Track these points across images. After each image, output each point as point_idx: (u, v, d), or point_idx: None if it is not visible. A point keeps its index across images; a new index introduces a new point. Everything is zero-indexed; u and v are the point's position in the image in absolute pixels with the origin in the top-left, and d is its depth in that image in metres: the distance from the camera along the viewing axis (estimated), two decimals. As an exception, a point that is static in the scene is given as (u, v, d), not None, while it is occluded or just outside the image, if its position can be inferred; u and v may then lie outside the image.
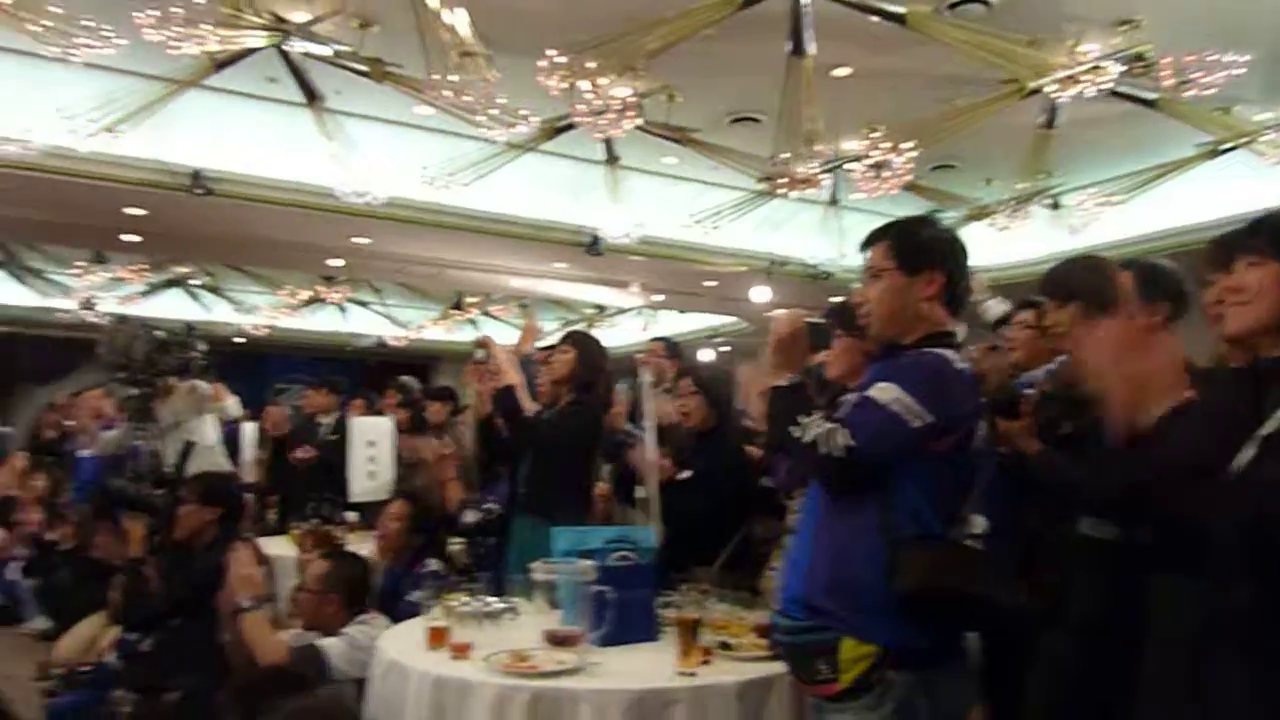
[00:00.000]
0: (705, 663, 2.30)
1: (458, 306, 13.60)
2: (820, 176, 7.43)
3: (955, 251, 2.10)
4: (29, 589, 6.22)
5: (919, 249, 2.06)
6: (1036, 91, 6.19)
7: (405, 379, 6.83)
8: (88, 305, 12.02)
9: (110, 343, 4.73)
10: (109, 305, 12.12)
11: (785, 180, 7.41)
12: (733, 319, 12.91)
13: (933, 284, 2.03)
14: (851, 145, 7.37)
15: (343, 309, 13.63)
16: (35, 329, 13.50)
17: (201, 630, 3.60)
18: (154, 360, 4.73)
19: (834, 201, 9.08)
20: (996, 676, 2.47)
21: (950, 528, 1.94)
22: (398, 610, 3.31)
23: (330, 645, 2.88)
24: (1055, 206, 8.64)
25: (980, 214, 8.55)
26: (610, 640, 2.41)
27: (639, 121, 6.37)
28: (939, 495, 1.94)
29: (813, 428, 1.91)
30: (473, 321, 14.04)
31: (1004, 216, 8.31)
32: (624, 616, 2.45)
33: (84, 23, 5.17)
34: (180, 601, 3.90)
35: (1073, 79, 5.87)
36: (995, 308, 3.33)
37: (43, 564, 6.31)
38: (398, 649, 2.49)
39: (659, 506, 3.17)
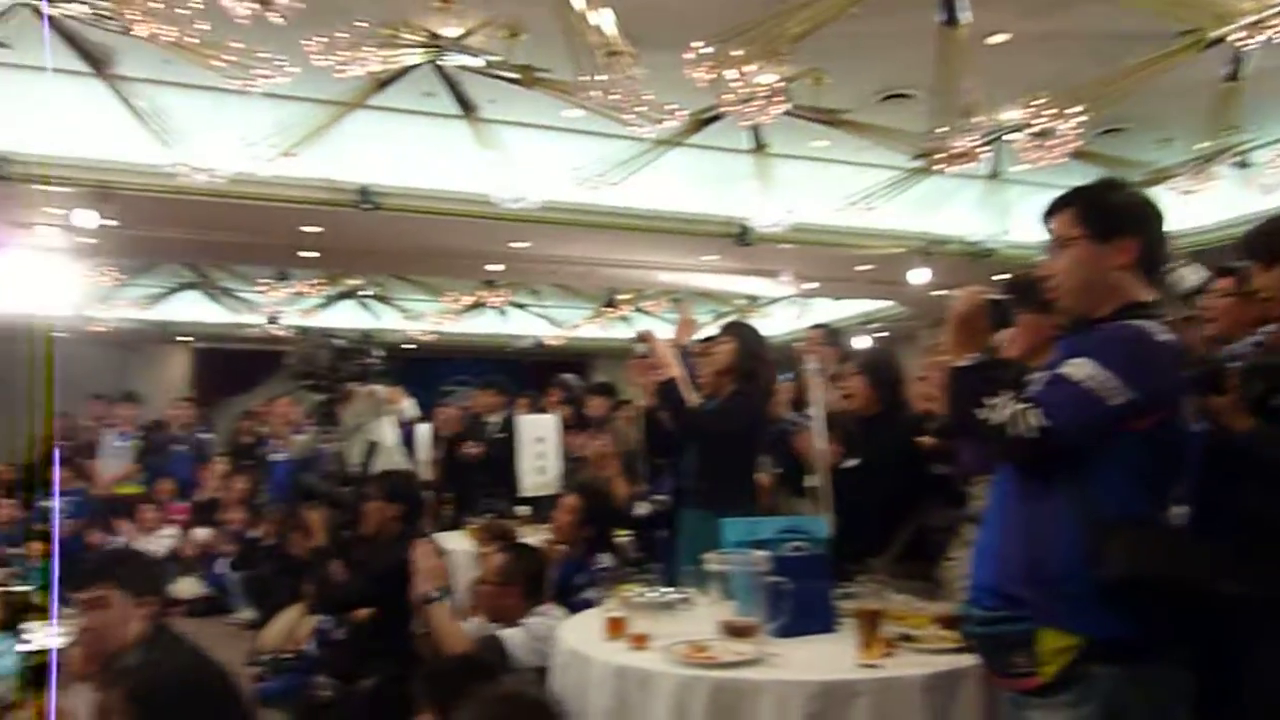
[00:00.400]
0: (888, 655, 2.24)
1: (611, 304, 13.81)
2: (979, 150, 7.12)
3: (1149, 215, 1.96)
4: (235, 582, 6.75)
5: (1110, 214, 1.93)
6: (1219, 41, 5.72)
7: (566, 377, 7.00)
8: (273, 320, 12.92)
9: (297, 353, 5.08)
10: (291, 319, 12.99)
11: (942, 156, 7.15)
12: (889, 303, 12.55)
13: (1126, 251, 1.90)
14: (1012, 115, 7.02)
15: (503, 312, 14.09)
16: (228, 343, 14.70)
17: (392, 620, 3.80)
18: (336, 368, 5.05)
19: (994, 175, 8.67)
20: (1208, 669, 2.29)
21: (1157, 510, 1.81)
22: (571, 604, 3.39)
23: (511, 635, 2.97)
24: (1244, 165, 7.96)
25: (1158, 178, 7.98)
26: (787, 631, 2.39)
27: (787, 106, 6.28)
28: (1143, 475, 1.81)
29: (1001, 409, 1.82)
30: (625, 318, 14.23)
31: (1186, 179, 7.74)
32: (801, 607, 2.42)
33: (260, 55, 5.53)
34: (368, 593, 4.13)
35: (1260, 24, 5.39)
36: (1191, 276, 3.08)
37: (246, 559, 6.84)
38: (578, 639, 2.54)
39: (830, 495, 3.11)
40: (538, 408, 6.63)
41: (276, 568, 6.33)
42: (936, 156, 7.20)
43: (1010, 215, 8.96)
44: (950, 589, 2.83)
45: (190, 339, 15.30)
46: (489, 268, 11.15)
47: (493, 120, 7.15)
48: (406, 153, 7.58)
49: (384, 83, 6.44)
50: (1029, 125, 6.73)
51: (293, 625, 5.18)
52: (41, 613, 5.65)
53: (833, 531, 2.85)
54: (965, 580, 2.49)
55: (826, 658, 2.27)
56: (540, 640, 2.90)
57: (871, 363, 3.42)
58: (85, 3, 5.20)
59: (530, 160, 7.54)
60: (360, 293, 13.17)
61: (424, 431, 6.84)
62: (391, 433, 5.82)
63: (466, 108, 6.93)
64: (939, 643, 2.33)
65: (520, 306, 14.16)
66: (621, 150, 7.42)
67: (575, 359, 15.65)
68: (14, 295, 9.40)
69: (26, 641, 4.57)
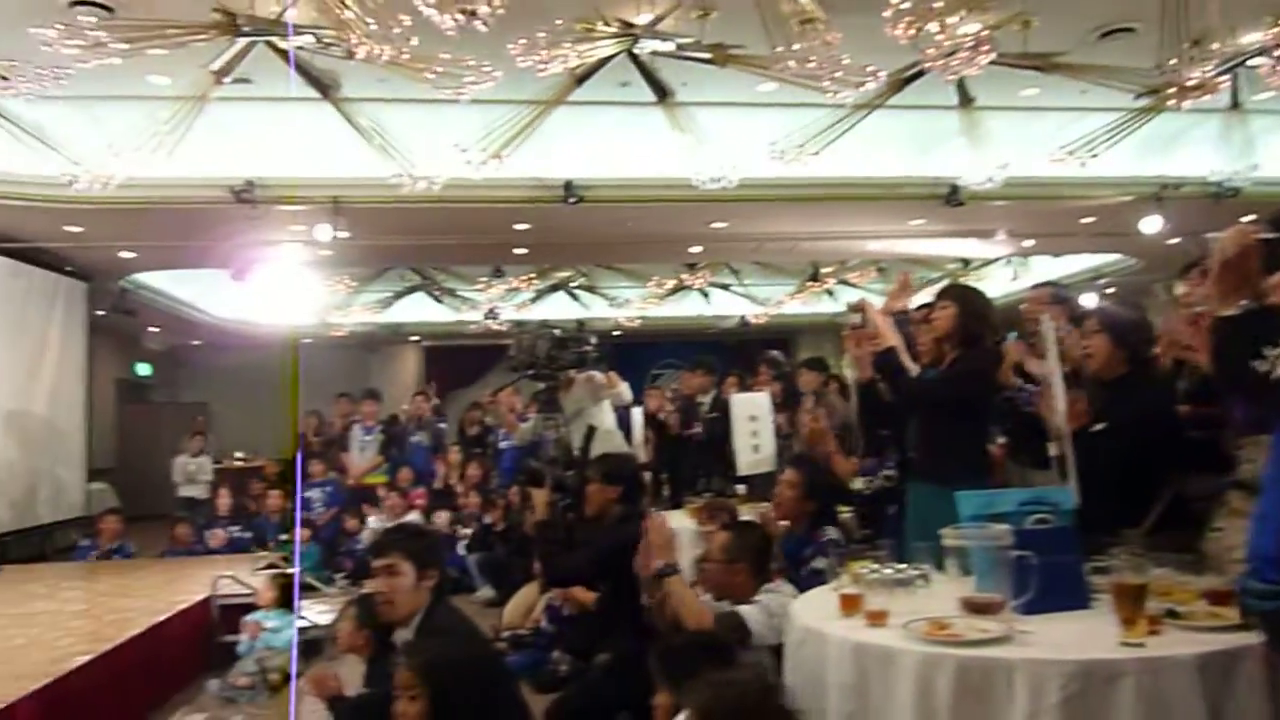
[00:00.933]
0: (1153, 633, 2.08)
1: (814, 278, 13.59)
2: (1217, 80, 6.44)
3: None
4: (474, 563, 7.20)
5: None
6: None
7: (773, 353, 6.98)
8: (492, 315, 13.64)
9: (518, 345, 5.34)
10: (508, 313, 13.67)
11: (1174, 91, 6.52)
12: (1116, 257, 11.67)
13: None
14: (1254, 37, 6.30)
15: (705, 293, 14.19)
16: (453, 340, 15.70)
17: (622, 598, 3.92)
18: (554, 357, 5.26)
19: (1236, 106, 7.83)
20: None
21: None
22: (799, 578, 3.37)
23: (748, 612, 2.99)
24: None
25: None
26: (1034, 608, 2.26)
27: (993, 56, 5.93)
28: None
29: (1283, 360, 1.64)
30: (829, 291, 13.98)
31: None
32: (1048, 583, 2.29)
33: (468, 63, 5.81)
34: (594, 571, 4.28)
35: None
36: None
37: (482, 541, 7.28)
38: (812, 616, 2.51)
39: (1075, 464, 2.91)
40: (746, 386, 6.64)
41: (510, 549, 6.70)
42: (1167, 92, 6.58)
43: (1257, 149, 8.07)
44: (1216, 562, 2.59)
45: (419, 338, 16.49)
46: (691, 250, 11.25)
47: (687, 103, 7.18)
48: (606, 144, 7.76)
49: (581, 78, 6.60)
50: (1278, 46, 6.01)
51: (529, 603, 5.47)
52: (310, 591, 6.26)
53: (1079, 502, 2.67)
54: (1236, 552, 2.28)
55: (1082, 636, 2.13)
56: (775, 616, 2.89)
57: (1114, 320, 3.15)
58: (311, 33, 5.65)
59: (727, 139, 7.52)
60: (569, 284, 13.65)
61: (638, 414, 7.01)
62: (609, 417, 6.00)
63: (661, 93, 7.00)
64: (1211, 620, 2.14)
65: (722, 287, 14.21)
66: (819, 119, 7.26)
67: (779, 336, 15.58)
68: (267, 308, 10.41)
69: (301, 618, 5.08)
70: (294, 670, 4.44)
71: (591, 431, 5.37)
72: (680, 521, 5.04)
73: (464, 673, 2.53)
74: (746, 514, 4.57)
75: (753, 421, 5.58)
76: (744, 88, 6.85)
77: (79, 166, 6.91)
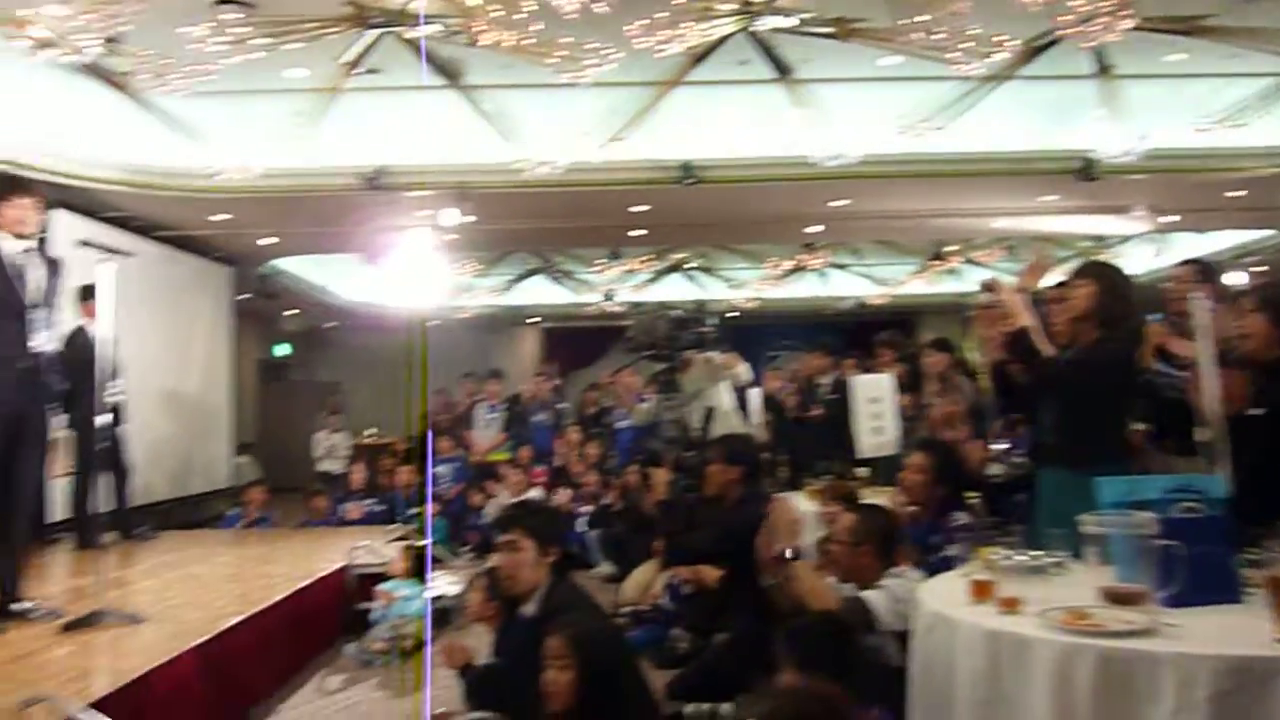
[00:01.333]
0: (1314, 630, 1.96)
1: (938, 257, 13.21)
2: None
3: None
4: (593, 539, 7.33)
5: None
6: None
7: (894, 334, 6.83)
8: (609, 297, 13.81)
9: (637, 325, 5.39)
10: (625, 295, 13.80)
11: (1336, 50, 6.08)
12: (1268, 232, 10.98)
13: None
14: None
15: (823, 274, 13.98)
16: (571, 322, 15.97)
17: (743, 578, 3.92)
18: (674, 338, 5.30)
19: (1405, 64, 7.22)
20: None
21: None
22: (929, 563, 3.30)
23: (874, 598, 2.95)
24: None
25: None
26: (1181, 600, 2.17)
27: (1134, 20, 5.62)
28: None
29: None
30: (954, 271, 13.56)
31: None
32: (1196, 574, 2.19)
33: (588, 47, 5.87)
34: (716, 550, 4.30)
35: None
36: None
37: (601, 518, 7.40)
38: (941, 602, 2.47)
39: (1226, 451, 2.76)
40: (864, 368, 6.52)
41: (629, 527, 6.79)
42: (1327, 54, 6.13)
43: None
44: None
45: (539, 319, 16.84)
46: (808, 230, 11.10)
47: (808, 80, 7.07)
48: (724, 124, 7.72)
49: (699, 58, 6.58)
50: None
51: (648, 580, 5.53)
52: (437, 563, 6.49)
53: (1231, 490, 2.53)
54: None
55: (1233, 631, 2.03)
56: (901, 602, 2.85)
57: (1275, 298, 2.95)
58: (438, 22, 5.82)
59: (848, 115, 7.38)
60: (685, 265, 13.67)
61: (756, 395, 6.97)
62: (729, 397, 5.99)
63: (781, 70, 6.91)
64: (1380, 618, 2.00)
65: (841, 267, 13.99)
66: (945, 92, 7.04)
67: (900, 316, 15.23)
68: (396, 291, 10.77)
69: (432, 589, 5.28)
70: (428, 637, 4.63)
71: (711, 412, 5.38)
72: (800, 503, 5.01)
73: (610, 645, 2.62)
74: (868, 497, 4.50)
75: (875, 404, 5.48)
76: (866, 62, 6.70)
77: (223, 158, 7.31)
